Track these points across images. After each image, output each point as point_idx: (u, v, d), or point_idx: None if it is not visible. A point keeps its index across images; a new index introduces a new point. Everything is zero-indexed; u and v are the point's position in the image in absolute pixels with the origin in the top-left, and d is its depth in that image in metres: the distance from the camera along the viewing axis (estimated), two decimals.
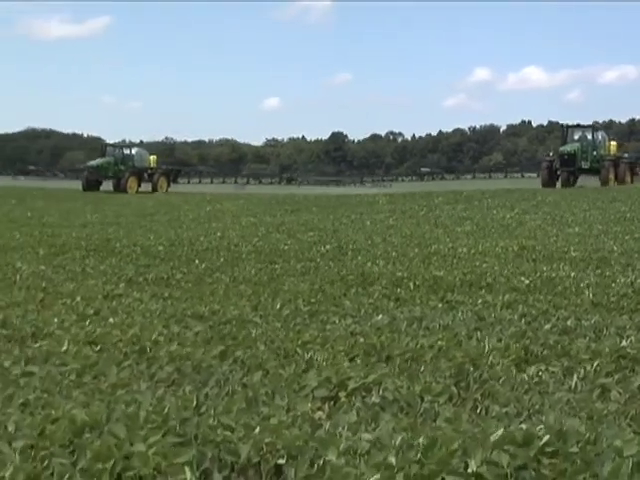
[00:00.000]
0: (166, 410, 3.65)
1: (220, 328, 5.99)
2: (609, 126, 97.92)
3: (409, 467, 2.95)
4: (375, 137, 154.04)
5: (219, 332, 5.81)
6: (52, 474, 3.04)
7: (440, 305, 6.92)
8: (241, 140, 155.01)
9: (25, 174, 76.62)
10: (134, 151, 51.29)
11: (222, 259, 10.82)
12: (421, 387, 4.22)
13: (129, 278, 8.96)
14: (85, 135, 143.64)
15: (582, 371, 4.56)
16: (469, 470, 2.92)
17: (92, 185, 46.81)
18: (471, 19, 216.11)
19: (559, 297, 7.18)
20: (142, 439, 3.23)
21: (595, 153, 42.03)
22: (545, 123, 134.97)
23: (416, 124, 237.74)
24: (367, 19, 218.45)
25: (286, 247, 12.29)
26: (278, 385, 4.36)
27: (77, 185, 47.81)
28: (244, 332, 5.78)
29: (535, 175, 51.89)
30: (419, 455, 3.04)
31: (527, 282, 8.04)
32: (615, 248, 11.07)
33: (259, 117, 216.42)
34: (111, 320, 6.31)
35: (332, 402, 4.11)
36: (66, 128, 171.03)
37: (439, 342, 5.25)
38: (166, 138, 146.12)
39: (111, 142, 58.03)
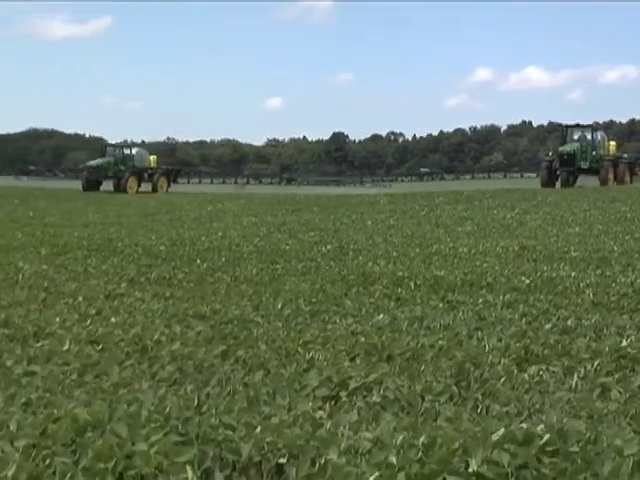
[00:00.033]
0: (168, 409, 3.66)
1: (222, 328, 6.00)
2: (609, 126, 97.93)
3: (410, 466, 2.96)
4: (376, 137, 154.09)
5: (220, 332, 5.82)
6: (54, 473, 3.05)
7: (441, 305, 6.92)
8: (242, 140, 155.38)
9: (25, 174, 76.65)
10: (134, 151, 51.26)
11: (223, 259, 10.83)
12: (422, 386, 4.22)
13: (131, 278, 8.98)
14: (87, 135, 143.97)
15: (582, 370, 4.57)
16: (470, 469, 2.92)
17: (92, 185, 46.78)
18: (472, 19, 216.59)
19: (559, 297, 7.19)
20: (144, 438, 3.24)
21: (594, 153, 42.00)
22: (546, 123, 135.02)
23: (417, 124, 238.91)
24: (368, 19, 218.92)
25: (287, 247, 12.29)
26: (279, 384, 4.36)
27: (77, 185, 47.79)
28: (245, 332, 5.79)
29: (535, 175, 51.85)
30: (420, 454, 3.04)
31: (528, 282, 8.05)
32: (615, 248, 11.08)
33: (260, 117, 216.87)
34: (113, 320, 6.33)
35: (333, 401, 4.12)
36: (68, 128, 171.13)
37: (440, 342, 5.25)
38: (168, 138, 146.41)
39: (113, 142, 58.19)
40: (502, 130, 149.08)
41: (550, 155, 43.69)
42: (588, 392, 4.19)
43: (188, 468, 3.03)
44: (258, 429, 3.37)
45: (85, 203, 30.02)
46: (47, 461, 3.15)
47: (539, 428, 3.24)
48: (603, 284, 7.81)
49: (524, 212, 19.88)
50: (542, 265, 9.46)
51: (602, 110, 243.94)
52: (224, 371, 4.69)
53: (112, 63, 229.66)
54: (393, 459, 3.01)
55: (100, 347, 5.35)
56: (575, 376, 4.46)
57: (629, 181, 42.20)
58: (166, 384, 4.48)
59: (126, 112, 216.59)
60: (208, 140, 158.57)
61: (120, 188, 46.55)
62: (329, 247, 12.12)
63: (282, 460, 3.17)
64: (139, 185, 48.17)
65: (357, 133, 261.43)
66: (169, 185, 49.32)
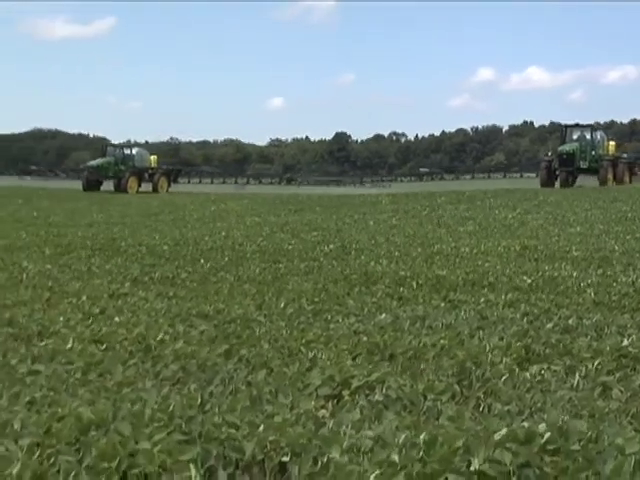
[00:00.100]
0: (171, 408, 3.68)
1: (225, 327, 6.01)
2: (610, 126, 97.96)
3: (412, 465, 2.97)
4: (378, 137, 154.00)
5: (224, 331, 5.83)
6: (58, 472, 3.06)
7: (443, 304, 6.94)
8: (245, 140, 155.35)
9: (27, 174, 76.69)
10: (134, 151, 51.26)
11: (227, 258, 10.85)
12: (424, 385, 4.24)
13: (134, 277, 8.99)
14: (91, 135, 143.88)
15: (584, 369, 4.58)
16: (472, 468, 2.93)
17: (92, 185, 46.77)
18: (475, 19, 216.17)
19: (561, 296, 7.20)
20: (147, 437, 3.25)
21: (594, 153, 41.94)
22: (547, 123, 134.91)
23: (419, 124, 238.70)
24: (371, 19, 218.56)
25: (290, 247, 12.31)
26: (282, 383, 4.38)
27: (79, 185, 47.78)
28: (248, 331, 5.81)
29: (534, 175, 51.79)
30: (422, 453, 3.06)
31: (529, 281, 8.06)
32: (616, 248, 11.08)
33: (263, 117, 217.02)
34: (116, 319, 6.35)
35: (335, 400, 4.13)
36: (72, 128, 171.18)
37: (442, 341, 5.26)
38: (171, 138, 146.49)
39: (116, 142, 58.27)
40: (504, 130, 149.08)
41: (549, 155, 43.63)
42: (589, 391, 4.20)
43: (191, 466, 3.04)
44: (261, 428, 3.39)
45: (89, 203, 30.05)
46: (51, 460, 3.16)
47: (541, 427, 3.25)
48: (604, 283, 7.82)
49: (525, 212, 19.88)
50: (543, 265, 9.47)
51: (603, 110, 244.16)
52: (227, 370, 4.71)
53: (115, 63, 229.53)
54: (395, 458, 3.02)
55: (104, 346, 5.36)
56: (576, 375, 4.47)
57: (628, 181, 42.14)
58: (169, 383, 4.49)
59: (129, 112, 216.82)
60: (211, 140, 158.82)
61: (120, 188, 46.54)
62: (332, 247, 12.13)
63: (285, 458, 3.18)
64: (139, 185, 48.16)
65: (359, 133, 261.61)
66: (169, 185, 49.32)
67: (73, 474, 3.03)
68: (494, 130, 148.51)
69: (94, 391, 4.25)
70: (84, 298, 7.41)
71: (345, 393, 4.22)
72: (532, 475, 2.95)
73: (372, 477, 2.90)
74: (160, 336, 5.59)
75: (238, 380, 4.49)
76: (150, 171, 49.59)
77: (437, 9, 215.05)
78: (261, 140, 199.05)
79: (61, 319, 6.34)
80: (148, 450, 3.13)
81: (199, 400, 3.93)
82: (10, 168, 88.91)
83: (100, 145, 57.26)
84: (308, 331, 5.74)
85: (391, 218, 19.12)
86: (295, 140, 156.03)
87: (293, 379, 4.46)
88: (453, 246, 11.89)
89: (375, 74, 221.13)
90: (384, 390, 4.20)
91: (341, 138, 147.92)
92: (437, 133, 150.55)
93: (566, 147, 41.91)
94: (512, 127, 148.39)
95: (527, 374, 4.53)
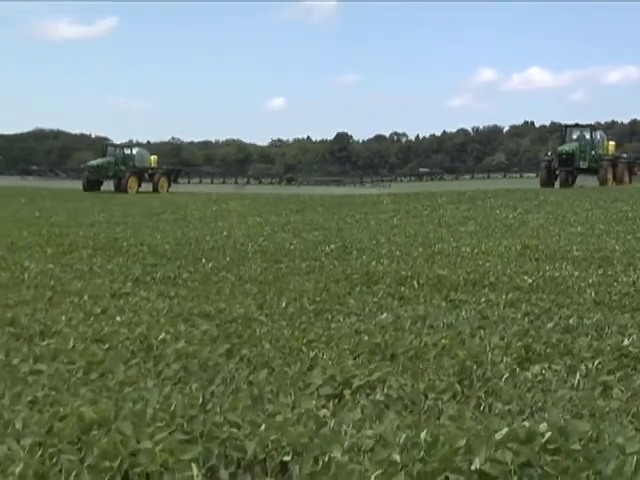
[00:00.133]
0: (173, 407, 3.69)
1: (226, 326, 6.02)
2: (611, 126, 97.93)
3: (413, 464, 2.98)
4: (379, 137, 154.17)
5: (225, 330, 5.84)
6: (60, 471, 3.07)
7: (444, 304, 6.94)
8: (247, 140, 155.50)
9: (28, 174, 76.76)
10: (134, 151, 51.27)
11: (228, 258, 10.85)
12: (425, 385, 4.24)
13: (136, 277, 9.00)
14: (93, 135, 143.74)
15: (584, 369, 4.58)
16: (473, 467, 2.94)
17: (93, 185, 46.75)
18: (476, 19, 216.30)
19: (562, 296, 7.20)
20: (149, 436, 3.26)
21: (593, 153, 41.91)
22: (548, 124, 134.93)
23: (420, 124, 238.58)
24: (372, 19, 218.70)
25: (291, 246, 12.31)
26: (283, 383, 4.39)
27: (79, 185, 47.81)
28: (250, 330, 5.82)
29: (534, 175, 51.74)
30: (423, 452, 3.07)
31: (530, 281, 8.06)
32: (617, 247, 11.08)
33: (265, 117, 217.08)
34: (118, 318, 6.36)
35: (337, 400, 4.14)
36: (74, 129, 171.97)
37: (443, 340, 5.27)
38: (173, 138, 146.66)
39: (118, 143, 58.22)
40: (504, 130, 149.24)
41: (549, 155, 43.59)
42: (590, 390, 4.21)
43: (193, 466, 3.05)
44: (262, 427, 3.39)
45: (91, 203, 30.06)
46: (53, 459, 3.17)
47: (541, 426, 3.26)
48: (605, 283, 7.83)
49: (526, 212, 19.88)
50: (544, 264, 9.47)
51: (604, 110, 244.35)
52: (229, 370, 4.72)
53: (117, 64, 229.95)
54: (396, 457, 3.03)
55: (106, 346, 5.37)
56: (577, 374, 4.47)
57: (628, 181, 42.11)
58: (171, 382, 4.51)
59: (131, 112, 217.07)
60: (213, 140, 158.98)
61: (120, 188, 46.54)
62: (333, 246, 12.13)
63: (286, 458, 3.19)
64: (139, 185, 48.16)
65: (361, 133, 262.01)
66: (169, 185, 49.34)
67: (75, 473, 3.04)
68: (495, 130, 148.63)
69: (96, 390, 4.26)
70: (86, 298, 7.42)
71: (346, 392, 4.23)
72: (533, 474, 2.96)
73: (373, 477, 2.91)
74: (162, 336, 5.60)
75: (239, 380, 4.50)
76: (150, 171, 49.60)
77: (438, 9, 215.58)
78: (262, 140, 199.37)
79: (63, 319, 6.35)
80: (150, 449, 3.13)
81: (201, 399, 3.94)
82: (12, 168, 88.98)
83: (102, 145, 57.25)
84: (309, 331, 5.75)
85: (392, 218, 19.12)
86: (296, 140, 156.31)
87: (294, 378, 4.47)
88: (454, 246, 11.89)
89: (376, 74, 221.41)
90: (385, 389, 4.21)
91: (342, 138, 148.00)
92: (438, 133, 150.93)
93: (566, 147, 41.88)
94: (513, 127, 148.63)
95: (528, 374, 4.54)
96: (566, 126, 44.92)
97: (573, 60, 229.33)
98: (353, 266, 9.67)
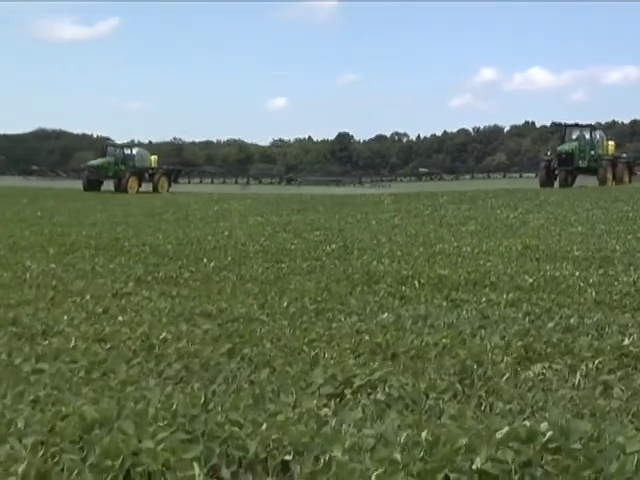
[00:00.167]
0: (174, 407, 3.70)
1: (228, 326, 6.03)
2: (612, 126, 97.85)
3: (414, 464, 2.99)
4: (380, 137, 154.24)
5: (227, 330, 5.85)
6: (62, 470, 3.08)
7: (445, 303, 6.95)
8: (248, 140, 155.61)
9: (28, 174, 76.83)
10: (135, 151, 51.32)
11: (229, 258, 10.86)
12: (426, 384, 4.25)
13: (138, 277, 9.01)
14: (95, 136, 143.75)
15: (585, 368, 4.59)
16: (474, 467, 2.95)
17: (93, 185, 46.78)
18: (477, 19, 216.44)
19: (562, 295, 7.21)
20: (151, 435, 3.27)
21: (593, 152, 41.90)
22: (548, 124, 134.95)
23: (421, 124, 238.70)
24: (373, 19, 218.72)
25: (292, 246, 12.32)
26: (285, 382, 4.40)
27: (80, 185, 47.82)
28: (251, 330, 5.83)
29: (533, 175, 51.67)
30: (424, 452, 3.08)
31: (531, 281, 8.07)
32: (618, 247, 11.08)
33: (266, 117, 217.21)
34: (120, 318, 6.37)
35: (338, 399, 4.15)
36: (76, 129, 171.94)
37: (444, 340, 5.28)
38: (174, 139, 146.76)
39: (120, 142, 58.26)
40: (505, 130, 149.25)
41: (549, 154, 43.53)
42: (590, 390, 4.22)
43: (195, 465, 3.05)
44: (264, 426, 3.40)
45: (93, 203, 30.09)
46: (55, 458, 3.18)
47: (542, 426, 3.27)
48: (605, 283, 7.83)
49: (527, 212, 19.88)
50: (545, 264, 9.48)
51: (605, 110, 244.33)
52: (230, 369, 4.73)
53: (119, 64, 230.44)
54: (397, 456, 3.04)
55: (107, 345, 5.38)
56: (578, 374, 4.48)
57: (628, 181, 42.07)
58: (173, 382, 4.51)
59: (133, 112, 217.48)
60: (214, 140, 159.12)
61: (120, 188, 46.57)
62: (334, 246, 12.14)
63: (288, 457, 3.20)
64: (139, 185, 48.19)
65: (362, 133, 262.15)
66: (170, 185, 49.34)
67: (77, 472, 3.05)
68: (496, 130, 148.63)
69: (98, 390, 4.27)
70: (88, 297, 7.43)
71: (347, 392, 4.23)
72: (534, 474, 2.96)
73: (374, 476, 2.92)
74: (163, 335, 5.61)
75: (241, 379, 4.51)
76: (150, 171, 49.64)
77: (439, 9, 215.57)
78: (264, 140, 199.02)
79: (65, 318, 6.36)
80: (151, 449, 3.14)
81: (202, 399, 3.95)
82: (14, 168, 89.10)
83: (101, 145, 57.27)
84: (310, 330, 5.76)
85: (393, 218, 19.13)
86: (298, 140, 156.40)
87: (296, 378, 4.48)
88: (455, 246, 11.89)
89: (377, 74, 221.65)
90: (386, 389, 4.21)
91: (343, 138, 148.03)
92: (439, 133, 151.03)
93: (565, 147, 41.87)
94: (514, 127, 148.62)
95: (529, 373, 4.55)
96: (566, 125, 44.91)
97: (573, 60, 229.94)
98: (354, 266, 9.68)
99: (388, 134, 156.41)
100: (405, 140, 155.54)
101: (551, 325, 5.82)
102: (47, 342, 5.53)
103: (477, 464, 2.96)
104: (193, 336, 5.65)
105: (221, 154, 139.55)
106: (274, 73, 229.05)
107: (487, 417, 3.66)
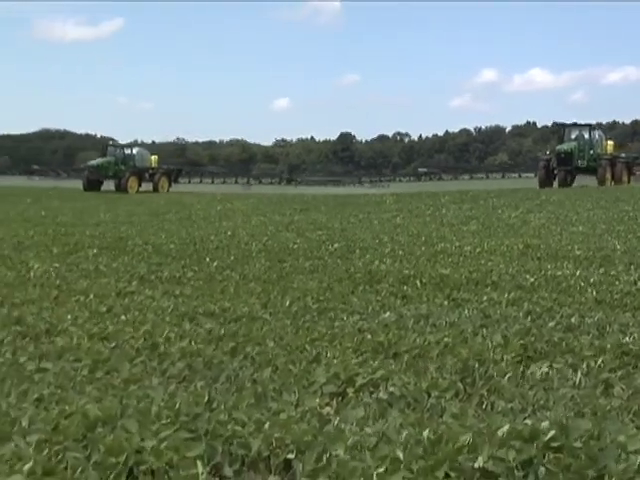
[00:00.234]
0: (178, 405, 3.72)
1: (230, 325, 6.05)
2: (612, 127, 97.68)
3: (416, 462, 3.01)
4: (382, 138, 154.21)
5: (229, 329, 5.87)
6: (66, 468, 3.10)
7: (446, 303, 6.96)
8: (251, 140, 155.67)
9: (30, 174, 76.89)
10: (135, 151, 51.14)
11: (232, 257, 10.87)
12: (428, 383, 4.27)
13: (141, 276, 9.03)
14: (98, 136, 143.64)
15: (586, 367, 4.60)
16: (476, 465, 2.97)
17: (93, 185, 46.65)
18: (478, 20, 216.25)
19: (563, 295, 7.22)
20: (154, 434, 3.29)
21: (592, 152, 41.74)
22: (550, 124, 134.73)
23: (423, 125, 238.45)
24: (375, 20, 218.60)
25: (295, 245, 12.32)
26: (287, 381, 4.42)
27: (80, 185, 47.78)
28: (254, 329, 5.85)
29: (532, 175, 51.51)
30: (425, 450, 3.10)
31: (532, 280, 8.07)
32: (618, 247, 11.07)
33: (269, 118, 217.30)
34: (123, 317, 6.39)
35: (340, 398, 4.16)
36: (80, 129, 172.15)
37: (445, 339, 5.30)
38: (177, 139, 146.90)
39: (124, 143, 58.16)
40: (507, 131, 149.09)
41: (548, 154, 43.40)
42: (591, 389, 4.23)
43: (198, 463, 3.07)
44: (267, 425, 3.42)
45: (96, 203, 30.09)
46: (59, 456, 3.20)
47: (543, 424, 3.28)
48: (606, 282, 7.83)
49: (528, 211, 19.86)
50: (546, 263, 9.48)
51: (605, 111, 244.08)
52: (233, 368, 4.75)
53: (123, 64, 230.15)
54: (399, 454, 3.05)
55: (111, 344, 5.41)
56: (579, 373, 4.49)
57: (627, 181, 41.97)
58: (176, 380, 4.53)
59: (137, 113, 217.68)
60: (217, 140, 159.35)
61: (121, 188, 46.42)
62: (336, 246, 12.14)
63: (290, 455, 3.22)
64: (140, 185, 48.07)
65: (364, 133, 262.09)
66: (170, 185, 49.26)
67: (80, 470, 3.07)
68: (497, 130, 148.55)
69: (101, 388, 4.29)
70: (91, 296, 7.45)
71: (350, 391, 4.25)
72: (535, 472, 2.98)
73: (375, 474, 2.94)
74: (166, 334, 5.63)
75: (244, 378, 4.52)
76: (150, 171, 49.51)
77: (441, 9, 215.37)
78: (266, 140, 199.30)
79: (69, 317, 6.39)
80: (155, 447, 3.16)
81: (205, 397, 3.97)
82: (15, 168, 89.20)
83: (102, 145, 57.23)
84: (313, 329, 5.78)
85: (395, 217, 19.11)
86: (300, 140, 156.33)
87: (298, 377, 4.50)
88: (457, 245, 11.89)
89: (379, 75, 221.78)
90: (388, 388, 4.23)
91: (345, 138, 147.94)
92: (440, 133, 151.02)
93: (564, 146, 41.74)
94: (515, 127, 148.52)
95: (530, 372, 4.56)
96: (565, 125, 44.80)
97: (574, 61, 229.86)
98: (356, 265, 9.69)
99: (390, 134, 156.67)
100: (407, 140, 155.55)
101: (552, 324, 5.83)
102: (51, 341, 5.56)
103: (479, 462, 2.97)
104: (196, 335, 5.67)
105: (224, 154, 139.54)
106: (276, 73, 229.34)
107: (489, 416, 3.67)
